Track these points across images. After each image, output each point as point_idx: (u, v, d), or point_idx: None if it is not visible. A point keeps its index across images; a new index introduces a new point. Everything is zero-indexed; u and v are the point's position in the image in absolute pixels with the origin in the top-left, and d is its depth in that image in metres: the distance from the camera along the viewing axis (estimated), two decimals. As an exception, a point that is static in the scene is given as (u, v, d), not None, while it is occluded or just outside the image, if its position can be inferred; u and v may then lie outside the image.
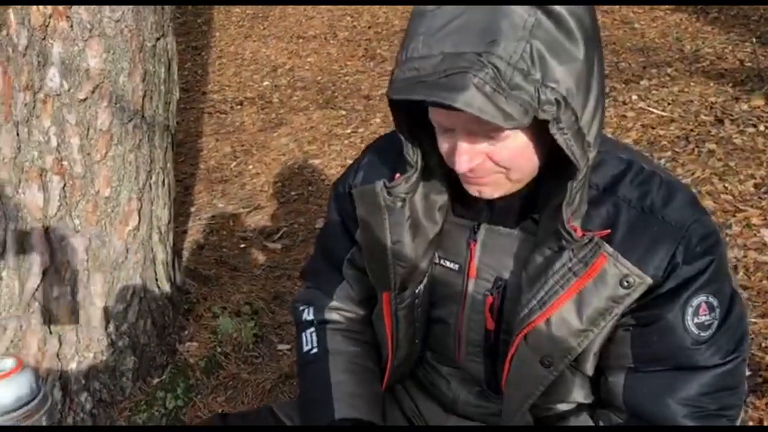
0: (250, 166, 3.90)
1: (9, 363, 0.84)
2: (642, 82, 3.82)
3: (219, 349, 2.30)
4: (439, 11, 0.84)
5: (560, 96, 0.82)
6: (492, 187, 0.96)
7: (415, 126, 0.99)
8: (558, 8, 0.81)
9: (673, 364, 0.95)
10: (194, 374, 2.20)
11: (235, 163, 3.95)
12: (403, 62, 0.86)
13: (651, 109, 3.48)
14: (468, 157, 0.90)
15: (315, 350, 1.19)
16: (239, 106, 4.71)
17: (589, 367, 1.01)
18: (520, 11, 0.80)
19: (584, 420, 1.05)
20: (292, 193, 3.57)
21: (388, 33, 5.51)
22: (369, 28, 5.67)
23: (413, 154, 0.99)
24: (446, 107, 0.82)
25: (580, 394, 1.05)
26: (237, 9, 6.38)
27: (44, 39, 1.88)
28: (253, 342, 2.35)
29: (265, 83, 5.02)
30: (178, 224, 2.57)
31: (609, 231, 0.93)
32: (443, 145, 0.95)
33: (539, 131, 0.87)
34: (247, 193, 3.62)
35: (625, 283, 0.91)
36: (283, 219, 3.32)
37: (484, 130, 0.88)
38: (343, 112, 4.36)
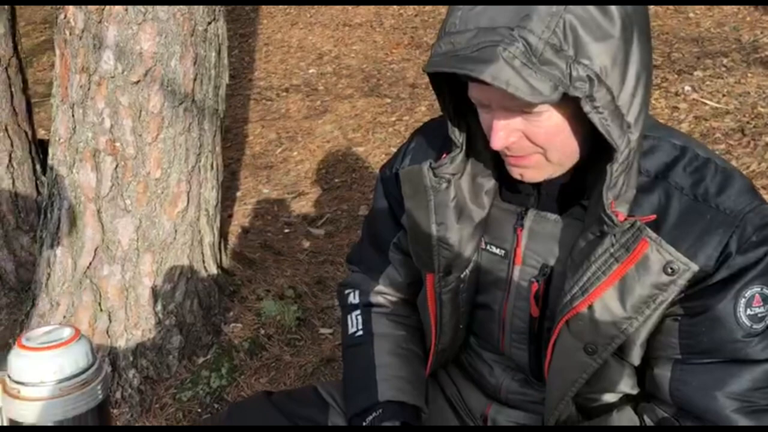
0: (295, 153, 3.93)
1: (67, 332, 0.86)
2: (696, 73, 3.72)
3: (262, 331, 2.33)
4: None
5: (593, 73, 0.81)
6: (533, 170, 0.95)
7: (461, 107, 0.99)
8: None
9: (723, 356, 0.92)
10: (238, 355, 2.24)
11: (280, 150, 3.99)
12: (441, 37, 0.87)
13: (705, 100, 3.39)
14: (504, 133, 0.90)
15: (360, 333, 1.20)
16: (285, 93, 4.74)
17: (636, 357, 0.99)
18: None
19: (628, 412, 1.04)
20: (336, 180, 3.59)
21: (434, 21, 5.48)
22: (415, 16, 5.64)
23: (458, 134, 0.99)
24: (476, 80, 0.82)
25: (626, 385, 1.03)
26: (284, -4, 6.41)
27: (100, 22, 1.92)
28: (296, 325, 2.38)
29: (311, 70, 5.05)
30: (224, 208, 2.61)
31: (654, 216, 0.91)
32: (483, 122, 0.95)
33: (577, 111, 0.86)
34: (292, 179, 3.66)
35: (669, 270, 0.89)
36: (326, 205, 3.34)
37: (518, 105, 0.87)
38: (388, 100, 4.36)
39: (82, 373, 0.84)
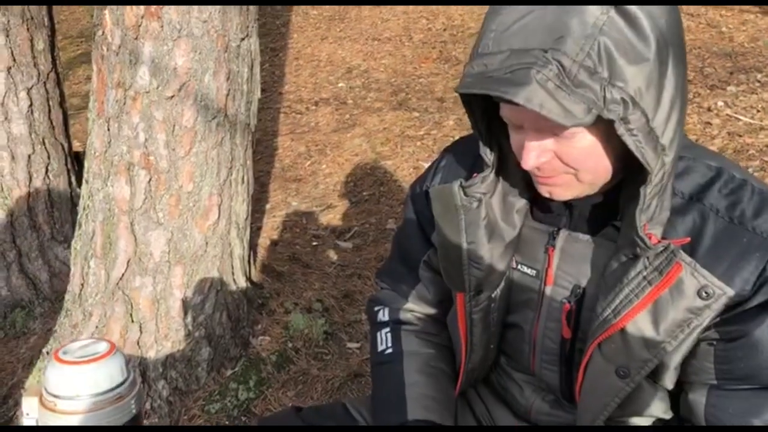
0: (324, 166, 3.96)
1: (103, 346, 0.87)
2: (729, 88, 3.67)
3: (290, 345, 2.34)
4: (513, 9, 0.84)
5: (628, 96, 0.80)
6: (562, 188, 0.95)
7: (492, 127, 0.99)
8: (632, 7, 0.80)
9: (760, 383, 0.90)
10: (266, 368, 2.25)
11: (309, 163, 4.02)
12: (473, 58, 0.87)
13: (738, 116, 3.34)
14: (535, 154, 0.90)
15: (390, 350, 1.20)
16: (314, 107, 4.78)
17: (669, 381, 0.98)
18: (592, 9, 0.79)
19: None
20: (364, 193, 3.60)
21: (463, 35, 5.49)
22: (444, 30, 5.66)
23: (489, 153, 0.99)
24: (509, 102, 0.82)
25: (659, 409, 1.01)
26: (314, 11, 6.49)
27: (136, 39, 1.96)
28: (324, 339, 2.39)
29: (340, 84, 5.08)
30: (253, 221, 2.63)
31: (689, 239, 0.90)
32: (514, 142, 0.95)
33: (610, 133, 0.85)
34: (320, 192, 3.67)
35: (704, 294, 0.88)
36: (354, 219, 3.35)
37: (550, 127, 0.87)
38: (417, 114, 4.37)
39: (117, 387, 0.86)
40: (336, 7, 6.44)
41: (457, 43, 5.39)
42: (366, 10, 6.29)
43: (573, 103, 0.79)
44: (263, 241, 3.08)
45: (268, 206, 3.52)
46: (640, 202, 0.87)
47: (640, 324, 0.91)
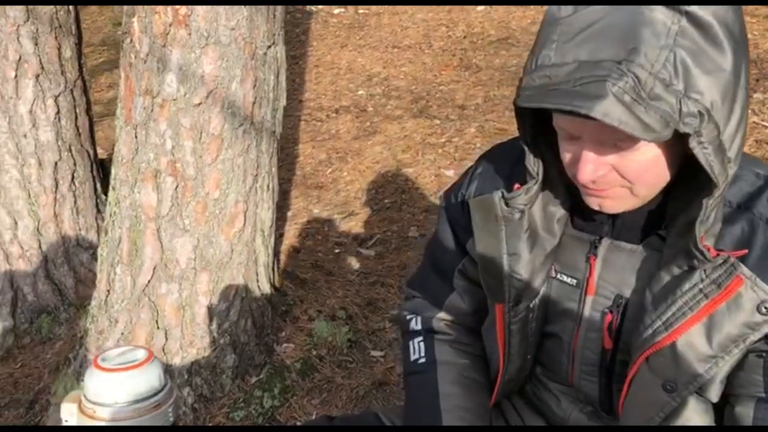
0: (345, 173, 3.95)
1: (141, 353, 0.87)
2: (756, 96, 3.63)
3: (314, 352, 2.33)
4: (573, 18, 0.81)
5: (703, 108, 0.78)
6: (614, 201, 0.92)
7: (537, 140, 0.97)
8: (703, 13, 0.77)
9: None
10: (290, 375, 2.25)
11: (330, 170, 4.02)
12: (532, 70, 0.83)
13: (765, 123, 3.30)
14: (593, 167, 0.87)
15: (423, 360, 1.18)
16: (335, 114, 4.79)
17: (714, 394, 0.95)
18: (662, 17, 0.76)
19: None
20: (386, 200, 3.59)
21: (483, 43, 5.48)
22: (464, 37, 5.65)
23: (535, 165, 0.97)
24: (580, 116, 0.79)
25: (703, 423, 0.99)
26: (334, 19, 6.51)
27: (164, 46, 1.97)
28: (348, 347, 2.38)
29: (360, 92, 5.09)
30: (276, 228, 2.64)
31: (746, 251, 0.88)
32: (566, 154, 0.92)
33: (672, 144, 0.83)
34: (342, 199, 3.67)
35: (764, 309, 0.86)
36: (376, 226, 3.34)
37: (613, 139, 0.84)
38: (437, 122, 4.36)
39: (155, 395, 0.86)
40: (356, 15, 6.46)
41: (477, 50, 5.37)
42: (386, 17, 6.30)
43: (650, 117, 0.76)
44: (286, 248, 3.08)
45: (290, 213, 3.52)
46: (701, 214, 0.85)
47: (693, 338, 0.89)
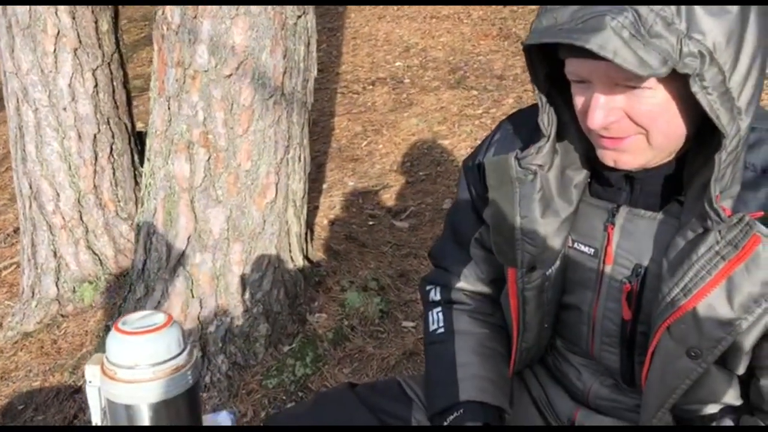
0: (380, 146, 3.94)
1: (160, 317, 0.89)
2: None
3: (346, 322, 2.35)
4: None
5: (705, 49, 0.76)
6: (630, 154, 0.90)
7: (551, 95, 0.95)
8: None
9: None
10: (322, 345, 2.27)
11: (365, 143, 4.01)
12: (541, 14, 0.83)
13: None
14: (604, 112, 0.85)
15: (441, 330, 1.18)
16: (371, 86, 4.76)
17: (741, 366, 0.93)
18: None
19: (729, 425, 0.97)
20: (421, 173, 3.58)
21: (524, 11, 5.37)
22: (504, 6, 5.54)
23: (548, 122, 0.95)
24: (579, 51, 0.78)
25: (729, 396, 0.97)
26: (372, -10, 6.44)
27: (195, 17, 1.98)
28: (379, 317, 2.39)
29: (397, 63, 5.04)
30: (310, 200, 2.65)
31: (762, 213, 0.84)
32: (578, 102, 0.90)
33: (685, 93, 0.80)
34: (377, 171, 3.67)
35: None
36: (410, 198, 3.34)
37: (621, 79, 0.82)
38: (475, 93, 4.30)
39: (174, 358, 0.87)
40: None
41: (518, 19, 5.27)
42: (424, -13, 6.21)
43: (647, 53, 0.75)
44: (320, 220, 3.10)
45: (325, 186, 3.53)
46: (714, 171, 0.82)
47: (713, 301, 0.86)
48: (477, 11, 5.56)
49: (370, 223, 3.13)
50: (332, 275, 2.55)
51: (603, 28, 0.75)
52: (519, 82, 4.32)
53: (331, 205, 3.29)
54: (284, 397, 2.11)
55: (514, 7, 5.46)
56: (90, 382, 0.90)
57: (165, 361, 0.86)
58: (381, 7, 6.09)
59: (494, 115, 3.95)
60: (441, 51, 5.07)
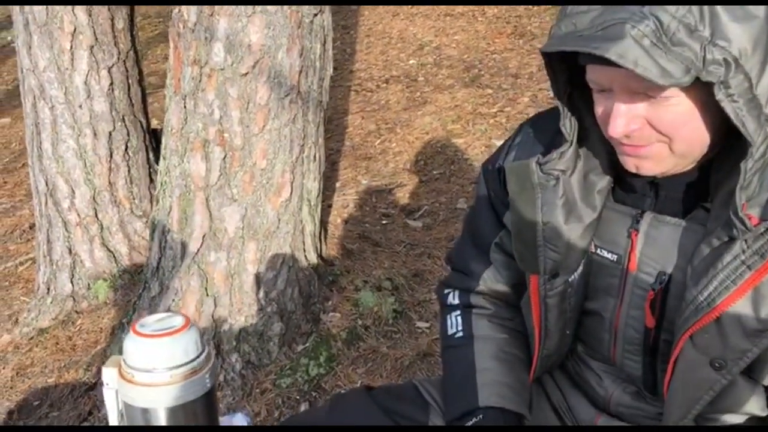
0: (394, 144, 3.93)
1: (178, 320, 0.88)
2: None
3: (360, 322, 2.34)
4: None
5: (730, 56, 0.74)
6: (652, 161, 0.88)
7: (573, 99, 0.93)
8: None
9: None
10: (336, 344, 2.26)
11: (379, 141, 4.00)
12: (560, 19, 0.82)
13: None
14: (625, 120, 0.84)
15: (460, 334, 1.16)
16: (385, 84, 4.75)
17: (766, 377, 0.91)
18: None
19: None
20: (434, 172, 3.56)
21: (539, 9, 5.33)
22: (519, 4, 5.50)
23: (570, 127, 0.93)
24: (599, 59, 0.76)
25: (753, 406, 0.95)
26: (386, -13, 6.42)
27: (211, 15, 1.97)
28: (393, 317, 2.38)
29: (411, 61, 5.02)
30: (323, 198, 2.64)
31: None
32: (599, 109, 0.89)
33: (710, 100, 0.78)
34: (390, 170, 3.65)
35: None
36: (424, 197, 3.32)
37: (643, 88, 0.81)
38: (489, 91, 4.28)
39: (192, 361, 0.86)
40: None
41: (533, 17, 5.23)
42: (438, -15, 6.18)
43: (670, 62, 0.73)
44: (333, 218, 3.09)
45: (338, 184, 3.52)
46: (740, 179, 0.81)
47: (738, 312, 0.85)
48: (492, 9, 5.52)
49: (384, 222, 3.12)
50: (346, 274, 2.54)
51: (623, 36, 0.73)
52: (534, 81, 4.29)
53: (344, 204, 3.28)
54: (298, 397, 2.11)
55: (530, 5, 5.42)
56: (107, 384, 0.90)
57: (182, 365, 0.85)
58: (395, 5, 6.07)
59: (509, 113, 3.93)
60: (455, 49, 5.05)
